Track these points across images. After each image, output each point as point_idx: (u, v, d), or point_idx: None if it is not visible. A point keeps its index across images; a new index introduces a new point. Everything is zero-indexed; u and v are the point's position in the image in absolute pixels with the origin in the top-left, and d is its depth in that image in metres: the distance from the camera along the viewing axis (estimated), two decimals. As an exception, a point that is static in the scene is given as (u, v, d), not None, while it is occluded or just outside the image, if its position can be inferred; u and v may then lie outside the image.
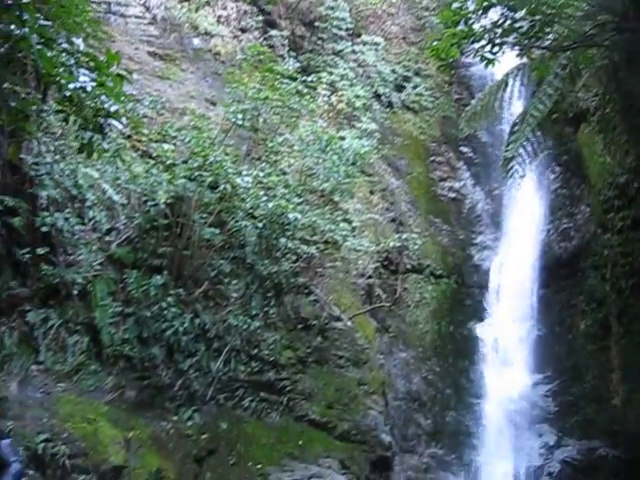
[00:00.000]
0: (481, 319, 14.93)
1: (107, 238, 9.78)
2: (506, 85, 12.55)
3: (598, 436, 13.33)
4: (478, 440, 14.00)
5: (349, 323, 10.74)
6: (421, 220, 15.04)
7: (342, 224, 10.81)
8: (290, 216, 9.94)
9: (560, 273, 14.56)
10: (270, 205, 9.88)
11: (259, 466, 9.03)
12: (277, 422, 9.74)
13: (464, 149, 16.63)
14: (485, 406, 14.26)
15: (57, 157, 9.13)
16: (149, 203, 9.82)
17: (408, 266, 14.10)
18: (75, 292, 8.92)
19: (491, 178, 16.29)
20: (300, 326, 10.45)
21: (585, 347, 14.04)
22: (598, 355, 13.80)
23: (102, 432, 7.74)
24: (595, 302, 14.14)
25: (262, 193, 9.98)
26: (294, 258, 10.42)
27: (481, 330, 14.76)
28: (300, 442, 9.60)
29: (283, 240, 10.14)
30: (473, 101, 13.35)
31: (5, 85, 7.13)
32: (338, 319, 10.72)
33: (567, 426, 13.82)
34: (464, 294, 15.13)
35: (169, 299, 9.24)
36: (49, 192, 8.77)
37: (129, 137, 10.56)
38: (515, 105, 14.33)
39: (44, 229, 8.74)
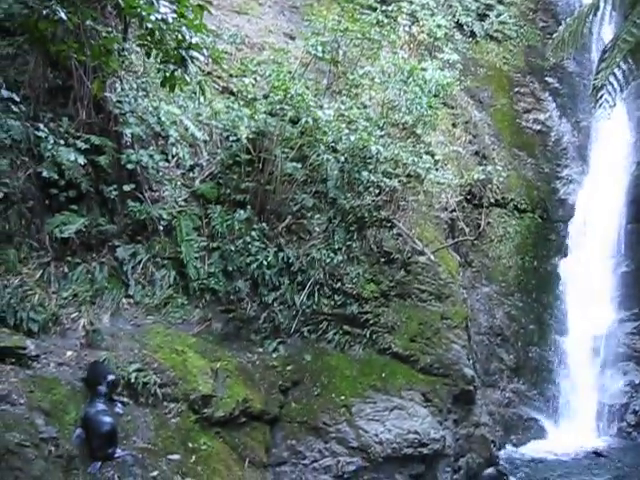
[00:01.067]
0: (566, 254, 14.64)
1: (190, 174, 9.92)
2: (596, 9, 11.94)
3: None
4: (561, 376, 13.87)
5: (432, 257, 10.62)
6: (505, 153, 14.70)
7: (425, 157, 10.62)
8: (372, 149, 9.83)
9: (649, 207, 14.10)
10: (352, 138, 9.77)
11: (342, 397, 9.14)
12: (360, 355, 9.81)
13: (550, 79, 16.07)
14: (568, 342, 14.07)
15: (140, 95, 9.21)
16: (231, 139, 9.87)
17: (492, 200, 13.86)
18: (161, 227, 9.11)
19: (578, 109, 15.76)
20: (383, 260, 10.41)
21: (673, 284, 13.65)
22: (688, 291, 13.44)
23: (190, 362, 7.96)
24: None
25: (344, 126, 9.87)
26: (376, 192, 10.33)
27: (566, 265, 14.48)
28: (383, 375, 9.64)
29: (365, 174, 10.05)
30: (560, 28, 12.75)
31: (87, 22, 7.24)
32: (421, 253, 10.61)
33: (653, 364, 13.58)
34: (549, 229, 14.82)
35: (253, 233, 9.34)
36: (133, 130, 8.87)
37: (209, 73, 10.58)
38: (605, 31, 13.73)
39: (129, 166, 8.89)
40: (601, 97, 11.46)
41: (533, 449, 12.49)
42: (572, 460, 11.79)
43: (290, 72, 10.14)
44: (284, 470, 8.35)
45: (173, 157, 9.71)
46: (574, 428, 12.93)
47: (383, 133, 10.44)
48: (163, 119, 9.19)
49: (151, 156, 8.99)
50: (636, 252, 14.06)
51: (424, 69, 11.29)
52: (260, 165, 9.88)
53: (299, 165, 9.90)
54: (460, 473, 10.05)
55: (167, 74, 6.02)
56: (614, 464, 11.61)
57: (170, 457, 6.62)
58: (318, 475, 8.46)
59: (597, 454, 11.94)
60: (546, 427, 13.14)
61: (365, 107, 10.90)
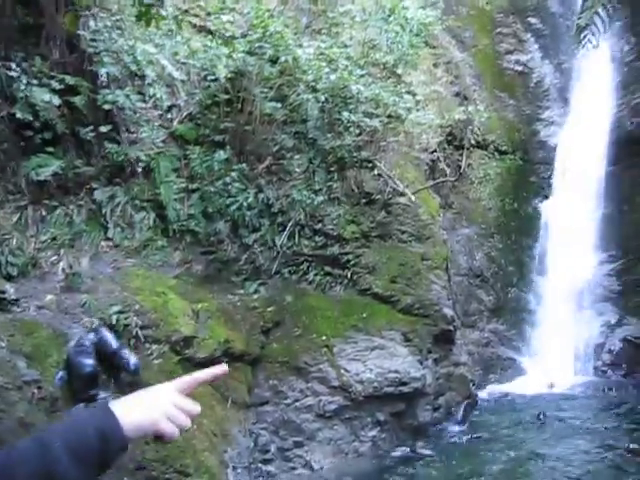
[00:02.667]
0: (546, 196, 14.72)
1: (168, 115, 9.74)
2: (580, -52, 11.78)
3: (662, 316, 13.28)
4: (539, 317, 14.06)
5: (413, 198, 10.59)
6: (486, 94, 14.62)
7: (406, 97, 10.49)
8: (353, 88, 9.69)
9: (631, 150, 14.09)
10: (332, 78, 9.60)
11: (324, 338, 9.19)
12: (341, 295, 9.84)
13: (532, 20, 15.93)
14: (547, 284, 14.23)
15: (115, 33, 8.98)
16: (209, 78, 9.67)
17: (472, 141, 13.81)
18: (139, 169, 8.97)
19: (560, 51, 15.64)
20: (364, 201, 10.37)
21: (654, 226, 13.78)
22: (667, 236, 13.58)
23: (171, 304, 7.93)
24: (667, 179, 13.77)
25: (324, 65, 9.70)
26: (357, 132, 10.21)
27: (546, 207, 14.55)
28: (364, 315, 9.69)
29: (346, 114, 9.92)
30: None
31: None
32: (402, 194, 10.57)
33: (630, 305, 13.79)
34: (529, 171, 14.87)
35: (233, 174, 9.23)
36: (108, 69, 8.64)
37: (186, 11, 10.33)
38: (590, -31, 13.50)
39: (106, 107, 8.68)
40: (584, 37, 11.37)
41: (511, 388, 12.70)
42: (546, 398, 12.01)
43: (269, 10, 9.92)
44: (266, 410, 8.44)
45: (150, 98, 9.49)
46: (552, 367, 13.14)
47: (364, 73, 10.28)
48: (139, 58, 8.96)
49: (128, 96, 8.79)
50: (616, 194, 14.14)
51: (405, 7, 11.08)
52: (239, 105, 9.72)
53: (279, 105, 9.74)
54: (440, 411, 10.22)
55: (142, 9, 5.85)
56: (586, 402, 11.84)
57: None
58: (300, 414, 8.55)
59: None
60: (524, 367, 13.37)
61: (345, 46, 10.68)
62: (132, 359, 6.85)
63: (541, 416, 10.54)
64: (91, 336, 6.75)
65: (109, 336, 6.87)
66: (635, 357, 13.25)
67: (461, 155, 13.34)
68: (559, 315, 13.82)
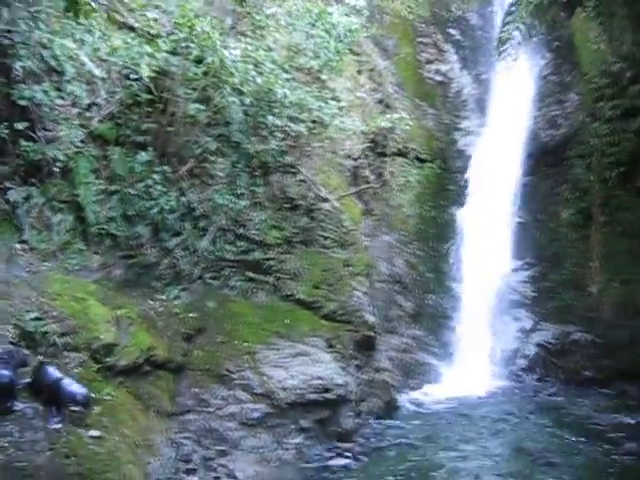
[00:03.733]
0: (463, 204, 14.94)
1: (87, 114, 9.37)
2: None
3: (574, 322, 13.70)
4: (456, 323, 14.27)
5: (336, 204, 10.61)
6: (407, 103, 14.79)
7: (331, 102, 10.48)
8: (279, 92, 9.61)
9: (546, 161, 14.58)
10: (259, 81, 9.48)
11: (246, 344, 9.05)
12: (264, 301, 9.73)
13: (452, 31, 16.26)
14: (464, 290, 14.46)
15: (32, 25, 8.59)
16: (131, 77, 9.36)
17: (394, 149, 13.94)
18: (57, 169, 8.59)
19: (479, 62, 15.98)
20: (287, 206, 10.29)
21: (566, 235, 14.25)
22: (578, 243, 14.07)
23: (91, 310, 7.61)
24: (579, 191, 14.28)
25: (251, 67, 9.56)
26: (281, 136, 10.13)
27: (463, 215, 14.80)
28: (287, 321, 9.61)
29: (271, 117, 9.81)
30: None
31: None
32: (325, 200, 10.58)
33: (544, 311, 14.19)
34: (447, 179, 15.10)
35: (154, 176, 8.99)
36: (25, 63, 8.29)
37: (106, 7, 10.01)
38: (509, -15, 13.84)
39: (22, 103, 8.31)
40: (505, 50, 11.65)
41: (429, 393, 12.83)
42: (463, 402, 12.18)
43: (192, 10, 9.70)
44: (189, 418, 8.20)
45: (69, 95, 9.12)
46: (469, 372, 13.35)
47: (289, 77, 10.22)
48: (58, 53, 8.60)
49: (46, 92, 8.43)
50: (530, 204, 14.56)
51: (330, 13, 11.09)
52: (162, 106, 9.47)
53: (202, 107, 9.56)
54: (362, 417, 10.22)
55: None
56: (501, 406, 12.06)
57: (73, 408, 6.32)
58: (223, 422, 8.36)
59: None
60: (442, 371, 13.53)
61: (270, 49, 10.59)
62: (78, 389, 6.48)
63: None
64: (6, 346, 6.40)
65: (48, 367, 6.52)
66: (549, 362, 13.62)
67: (383, 162, 13.46)
68: (476, 321, 14.07)
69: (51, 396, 6.36)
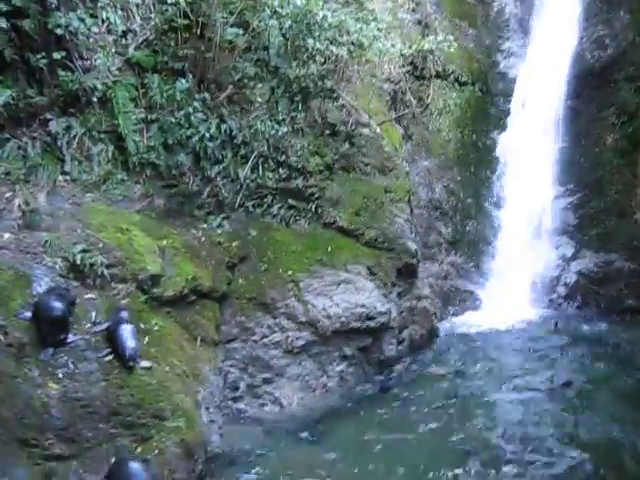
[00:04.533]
0: (504, 128, 14.59)
1: (123, 41, 9.19)
2: None
3: (616, 250, 13.45)
4: (496, 249, 14.13)
5: (376, 129, 10.39)
6: (446, 23, 14.28)
7: (372, 24, 10.13)
8: (319, 14, 9.29)
9: (591, 83, 14.02)
10: (298, 3, 9.18)
11: (290, 272, 9.03)
12: (306, 229, 9.65)
13: (493, -52, 15.49)
14: (505, 216, 14.27)
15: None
16: (167, 1, 9.12)
17: (433, 72, 13.55)
18: (95, 99, 8.49)
19: (521, -20, 15.29)
20: (327, 132, 10.08)
21: (611, 161, 13.82)
22: (623, 169, 13.65)
23: (136, 241, 7.57)
24: (626, 115, 13.77)
25: (288, -12, 9.25)
26: (321, 60, 9.87)
27: (504, 140, 14.47)
28: (329, 249, 9.54)
29: (311, 41, 9.49)
30: None
31: None
32: (365, 125, 10.35)
33: (585, 239, 13.91)
34: (488, 102, 14.69)
35: (194, 104, 8.83)
36: (58, -11, 8.09)
37: None
38: None
39: (58, 31, 8.12)
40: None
41: (469, 320, 12.82)
42: (503, 330, 12.15)
43: None
44: (235, 347, 8.30)
45: (103, 22, 8.95)
46: (509, 299, 13.28)
47: (327, -2, 9.89)
48: (90, -22, 8.40)
49: (82, 20, 8.23)
50: (574, 128, 14.12)
51: None
52: (198, 31, 9.23)
53: (240, 31, 9.32)
54: (404, 344, 10.26)
55: None
56: (541, 334, 12.00)
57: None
58: (268, 350, 8.45)
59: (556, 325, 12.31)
60: (482, 299, 13.47)
61: (308, -30, 10.22)
62: (129, 343, 6.33)
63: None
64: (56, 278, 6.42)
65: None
66: (590, 290, 13.47)
67: (422, 86, 13.11)
68: (516, 248, 13.90)
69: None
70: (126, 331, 6.30)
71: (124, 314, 6.50)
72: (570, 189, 14.22)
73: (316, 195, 9.83)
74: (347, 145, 10.30)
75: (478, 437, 7.49)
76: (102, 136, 8.46)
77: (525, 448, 7.22)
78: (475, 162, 14.25)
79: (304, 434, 7.74)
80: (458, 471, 6.68)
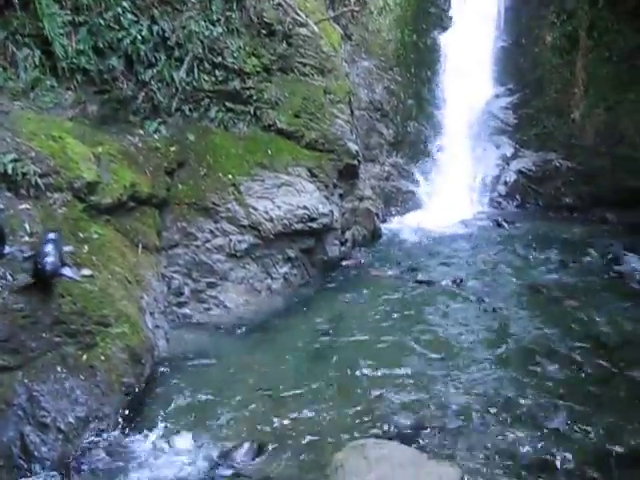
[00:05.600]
0: (445, 28, 14.41)
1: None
2: None
3: (554, 149, 13.65)
4: (437, 149, 14.20)
5: (314, 29, 10.16)
6: None
7: None
8: None
9: (531, -17, 13.89)
10: None
11: (230, 176, 8.94)
12: (245, 132, 9.51)
13: None
14: (446, 117, 14.28)
15: None
16: None
17: (371, -32, 13.22)
18: (16, 0, 8.08)
19: None
20: (264, 32, 9.79)
21: (550, 60, 13.85)
22: (563, 69, 13.71)
23: (70, 149, 7.32)
24: (565, 14, 13.73)
25: None
26: (255, -44, 9.53)
27: (445, 39, 14.32)
28: (269, 152, 9.45)
29: None
30: None
31: None
32: (303, 24, 10.10)
33: (525, 138, 14.11)
34: (429, 1, 14.42)
35: (124, 4, 8.47)
36: None
37: None
38: None
39: None
40: None
41: (411, 220, 12.98)
42: (446, 229, 12.36)
43: None
44: (177, 252, 8.27)
45: None
46: (450, 199, 13.45)
47: None
48: None
49: None
50: (514, 28, 14.07)
51: None
52: None
53: None
54: (347, 245, 10.38)
55: None
56: (480, 231, 12.28)
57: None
58: (211, 255, 8.44)
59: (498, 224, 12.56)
60: (424, 199, 13.62)
61: None
62: (48, 258, 5.86)
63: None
64: None
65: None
66: (529, 189, 13.73)
67: (361, -18, 12.79)
68: (457, 148, 14.01)
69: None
70: (48, 248, 5.94)
71: (51, 235, 6.19)
72: (510, 89, 14.28)
73: (254, 97, 9.65)
74: (285, 45, 10.06)
75: (423, 332, 7.70)
76: (27, 40, 8.05)
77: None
78: (416, 62, 14.12)
79: (249, 336, 7.85)
80: (399, 371, 6.82)
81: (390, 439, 4.97)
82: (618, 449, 5.12)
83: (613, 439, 5.28)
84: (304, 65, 10.28)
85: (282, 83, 9.97)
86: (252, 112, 9.59)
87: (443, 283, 9.34)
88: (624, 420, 5.57)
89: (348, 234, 10.47)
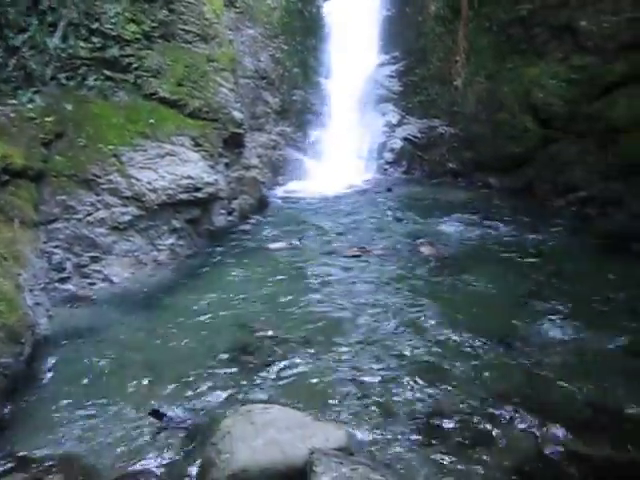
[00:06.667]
0: (330, -3, 14.43)
1: None
2: None
3: (439, 116, 13.97)
4: (324, 118, 14.27)
5: (196, -5, 9.95)
6: None
7: None
8: None
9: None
10: None
11: (111, 147, 8.64)
12: (125, 101, 9.21)
13: None
14: (332, 85, 14.35)
15: None
16: None
17: None
18: None
19: None
20: (143, -2, 9.53)
21: (434, 29, 14.11)
22: (446, 38, 13.99)
23: None
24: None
25: None
26: None
27: (329, 8, 14.35)
28: (151, 121, 9.21)
29: None
30: None
31: None
32: (183, -10, 9.87)
33: (410, 106, 14.34)
34: (312, -32, 14.38)
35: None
36: None
37: None
38: None
39: None
40: None
41: (299, 188, 13.02)
42: (334, 196, 12.47)
43: None
44: (57, 227, 7.94)
45: None
46: (338, 167, 13.56)
47: None
48: None
49: None
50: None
51: None
52: None
53: None
54: (234, 214, 10.30)
55: None
56: (367, 196, 12.47)
57: None
58: (93, 228, 8.17)
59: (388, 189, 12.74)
60: (311, 167, 13.68)
61: None
62: None
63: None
64: None
65: None
66: (414, 155, 14.01)
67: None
68: (344, 116, 14.12)
69: None
70: None
71: None
72: (395, 57, 14.49)
73: (135, 65, 9.37)
74: (165, 11, 9.79)
75: (307, 305, 7.72)
76: None
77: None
78: (301, 31, 14.10)
79: (135, 309, 7.66)
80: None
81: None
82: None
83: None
84: (186, 32, 10.05)
85: (164, 51, 9.71)
86: (133, 80, 9.30)
87: (327, 249, 9.42)
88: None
89: (235, 203, 10.38)
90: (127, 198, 8.48)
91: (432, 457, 4.50)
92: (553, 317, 6.79)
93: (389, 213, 11.14)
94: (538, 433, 4.72)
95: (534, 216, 10.60)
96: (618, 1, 10.81)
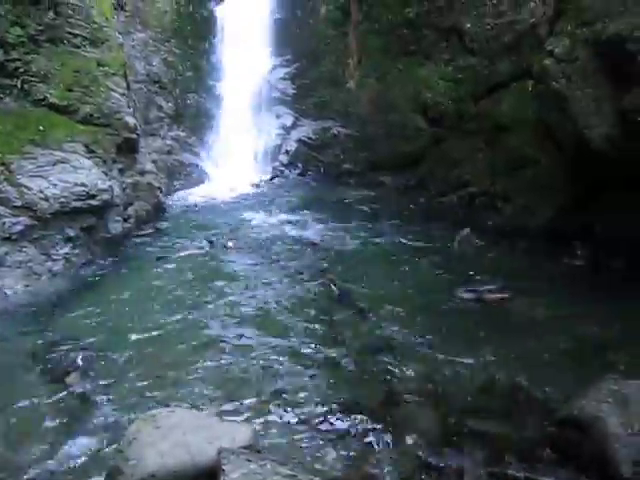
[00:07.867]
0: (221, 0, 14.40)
1: None
2: None
3: (332, 117, 14.17)
4: (219, 122, 14.24)
5: (83, -3, 9.73)
6: None
7: None
8: None
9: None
10: None
11: (-1, 155, 8.38)
12: (13, 108, 8.91)
13: None
14: (226, 88, 14.33)
15: None
16: None
17: None
18: None
19: None
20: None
21: (325, 32, 14.28)
22: (337, 41, 14.19)
23: None
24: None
25: None
26: None
27: (221, 12, 14.32)
28: (41, 128, 8.95)
29: None
30: None
31: None
32: (70, -7, 9.63)
33: (304, 108, 14.48)
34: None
35: None
36: None
37: None
38: None
39: None
40: None
41: (195, 193, 12.94)
42: (230, 199, 12.46)
43: None
44: (-58, 237, 7.62)
45: None
46: (234, 171, 13.56)
47: None
48: None
49: None
50: (289, 0, 14.36)
51: None
52: None
53: None
54: (130, 221, 10.12)
55: None
56: (262, 198, 12.55)
57: None
58: (-17, 241, 7.88)
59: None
60: (207, 171, 13.62)
61: None
62: None
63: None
64: None
65: None
66: (309, 156, 14.15)
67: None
68: (239, 119, 14.12)
69: None
70: None
71: None
72: (288, 60, 14.60)
73: (21, 70, 9.07)
74: (52, 14, 9.53)
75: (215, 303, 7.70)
76: None
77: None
78: (193, 34, 14.02)
79: (30, 322, 7.42)
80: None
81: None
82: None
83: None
84: (75, 36, 9.81)
85: (51, 55, 9.45)
86: (19, 86, 9.01)
87: (223, 248, 9.47)
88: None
89: (131, 210, 10.21)
90: (18, 208, 8.20)
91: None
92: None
93: (278, 214, 11.29)
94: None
95: (424, 213, 10.97)
96: (498, 5, 11.28)
